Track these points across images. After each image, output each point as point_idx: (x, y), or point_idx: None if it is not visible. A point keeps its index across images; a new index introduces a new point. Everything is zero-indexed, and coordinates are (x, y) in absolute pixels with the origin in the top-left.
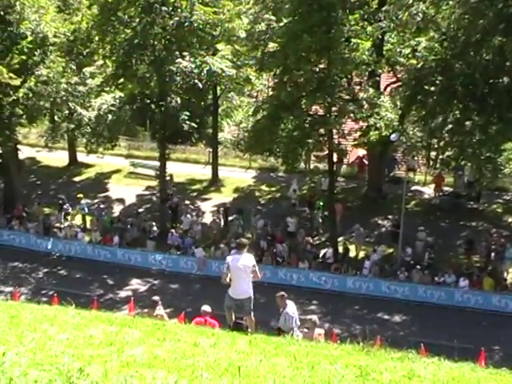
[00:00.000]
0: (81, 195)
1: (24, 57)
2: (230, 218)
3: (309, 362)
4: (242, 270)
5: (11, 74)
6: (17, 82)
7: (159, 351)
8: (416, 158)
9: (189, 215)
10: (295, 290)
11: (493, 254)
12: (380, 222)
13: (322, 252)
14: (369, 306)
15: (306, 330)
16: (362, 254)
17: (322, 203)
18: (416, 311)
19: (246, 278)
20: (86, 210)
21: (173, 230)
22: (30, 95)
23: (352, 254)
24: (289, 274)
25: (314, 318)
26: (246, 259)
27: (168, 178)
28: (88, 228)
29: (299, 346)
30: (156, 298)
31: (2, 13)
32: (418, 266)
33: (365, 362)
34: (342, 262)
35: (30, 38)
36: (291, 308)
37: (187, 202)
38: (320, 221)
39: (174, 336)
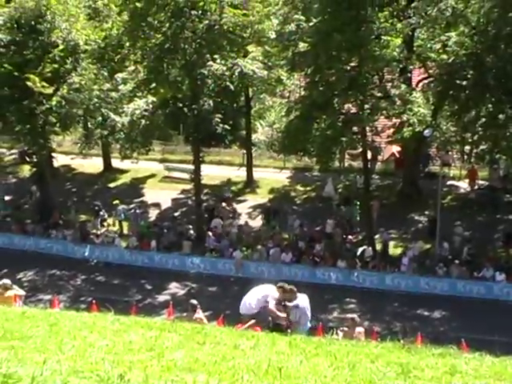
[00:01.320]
0: (117, 201)
1: (56, 65)
2: (269, 219)
3: (349, 362)
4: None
5: (44, 83)
6: (50, 91)
7: (199, 355)
8: (450, 153)
9: (219, 219)
10: (334, 289)
11: None
12: (416, 217)
13: (360, 250)
14: (408, 302)
15: (346, 329)
16: (399, 251)
17: (358, 202)
18: (456, 306)
19: None
20: (123, 215)
21: (210, 233)
22: (63, 103)
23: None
24: (327, 274)
25: (354, 316)
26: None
27: (226, 183)
28: (125, 233)
29: (339, 346)
30: (194, 301)
31: (33, 22)
32: (457, 261)
33: (406, 360)
34: (380, 260)
35: (61, 47)
36: (301, 301)
37: (224, 204)
38: (358, 219)
39: (213, 339)
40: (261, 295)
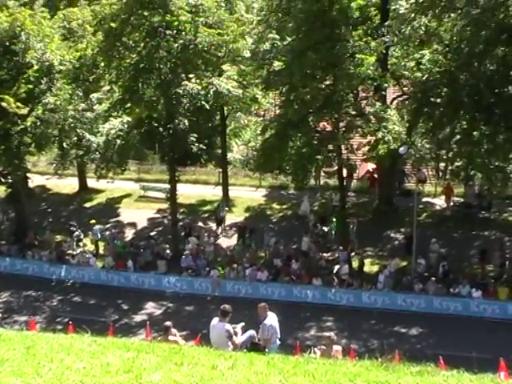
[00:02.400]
0: (93, 221)
1: (31, 86)
2: (244, 237)
3: (328, 381)
4: (216, 342)
5: (18, 104)
6: (24, 111)
7: (177, 376)
8: (425, 170)
9: (193, 237)
10: (310, 307)
11: (507, 263)
12: (392, 235)
13: (336, 268)
14: (385, 319)
15: (323, 347)
16: (375, 268)
17: (335, 219)
18: (432, 323)
19: (222, 347)
20: (99, 235)
21: (186, 252)
22: (38, 123)
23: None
24: (304, 292)
25: (331, 334)
26: (220, 331)
27: (220, 202)
28: (101, 253)
29: (317, 365)
30: (168, 323)
31: (7, 43)
32: (433, 278)
33: (384, 378)
34: (357, 277)
35: (36, 67)
36: (271, 319)
37: (200, 223)
38: (333, 237)
39: (191, 360)
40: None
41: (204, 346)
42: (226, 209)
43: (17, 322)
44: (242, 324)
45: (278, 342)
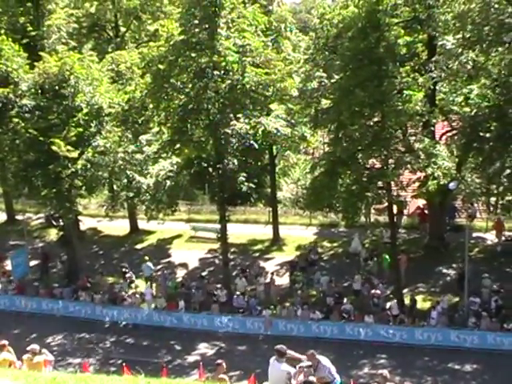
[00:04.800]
0: (146, 257)
1: (80, 129)
2: (295, 276)
3: None
4: (274, 382)
5: (69, 147)
6: (75, 154)
7: None
8: (476, 205)
9: (243, 278)
10: (363, 344)
11: None
12: (444, 270)
13: (388, 305)
14: (438, 356)
15: None
16: (427, 305)
17: (387, 256)
18: (487, 359)
19: None
20: (152, 269)
21: (238, 292)
22: (89, 166)
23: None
24: (356, 329)
25: (385, 372)
26: (279, 372)
27: (312, 245)
28: (153, 294)
29: None
30: (219, 361)
31: (57, 87)
32: (486, 314)
33: None
34: (409, 314)
35: (85, 110)
36: (325, 361)
37: (247, 262)
38: (385, 274)
39: None
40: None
41: None
42: (317, 252)
43: (70, 364)
44: (308, 363)
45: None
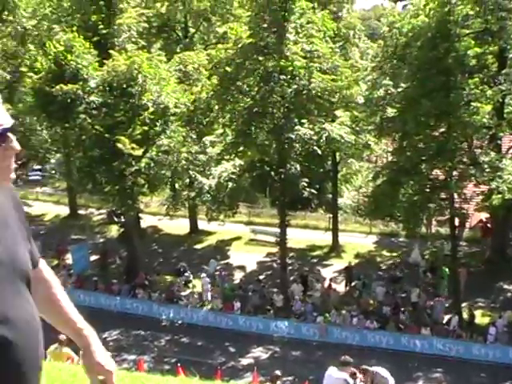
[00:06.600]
0: (213, 260)
1: (146, 127)
2: (353, 284)
3: None
4: None
5: (133, 145)
6: (139, 153)
7: None
8: None
9: (300, 284)
10: (419, 357)
11: None
12: (505, 286)
13: (446, 318)
14: (495, 373)
15: None
16: (486, 320)
17: (447, 269)
18: None
19: None
20: (215, 267)
21: (296, 297)
22: (152, 165)
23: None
24: (412, 341)
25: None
26: (337, 381)
27: (398, 261)
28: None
29: None
30: (278, 372)
31: (124, 85)
32: None
33: None
34: (467, 328)
35: (151, 109)
36: (383, 372)
37: (306, 268)
38: (445, 288)
39: None
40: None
41: None
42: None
43: (125, 360)
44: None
45: None
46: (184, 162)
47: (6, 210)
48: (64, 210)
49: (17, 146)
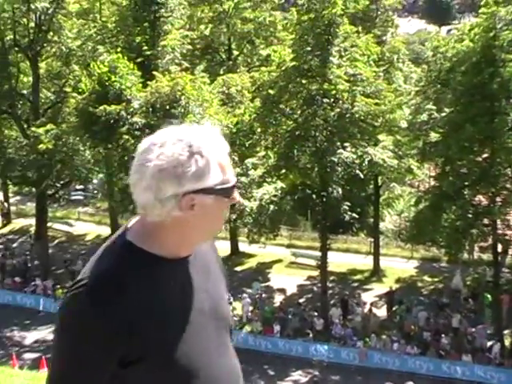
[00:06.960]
0: (256, 282)
1: None
2: (394, 308)
3: None
4: None
5: None
6: None
7: None
8: None
9: (339, 308)
10: (459, 383)
11: None
12: None
13: (488, 345)
14: None
15: None
16: None
17: (489, 295)
18: None
19: None
20: (258, 290)
21: (336, 321)
22: None
23: None
24: (453, 367)
25: None
26: None
27: (445, 287)
28: (249, 318)
29: None
30: None
31: (167, 107)
32: None
33: None
34: (509, 356)
35: None
36: None
37: (346, 292)
38: (489, 315)
39: None
40: None
41: None
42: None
43: None
44: None
45: None
46: None
47: (209, 259)
48: (105, 231)
49: (239, 198)
